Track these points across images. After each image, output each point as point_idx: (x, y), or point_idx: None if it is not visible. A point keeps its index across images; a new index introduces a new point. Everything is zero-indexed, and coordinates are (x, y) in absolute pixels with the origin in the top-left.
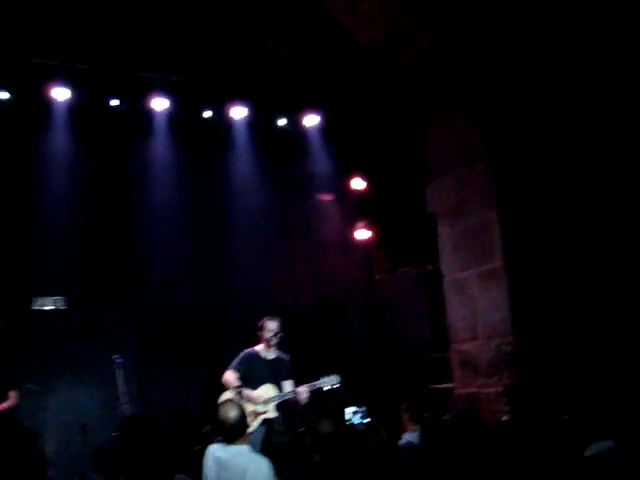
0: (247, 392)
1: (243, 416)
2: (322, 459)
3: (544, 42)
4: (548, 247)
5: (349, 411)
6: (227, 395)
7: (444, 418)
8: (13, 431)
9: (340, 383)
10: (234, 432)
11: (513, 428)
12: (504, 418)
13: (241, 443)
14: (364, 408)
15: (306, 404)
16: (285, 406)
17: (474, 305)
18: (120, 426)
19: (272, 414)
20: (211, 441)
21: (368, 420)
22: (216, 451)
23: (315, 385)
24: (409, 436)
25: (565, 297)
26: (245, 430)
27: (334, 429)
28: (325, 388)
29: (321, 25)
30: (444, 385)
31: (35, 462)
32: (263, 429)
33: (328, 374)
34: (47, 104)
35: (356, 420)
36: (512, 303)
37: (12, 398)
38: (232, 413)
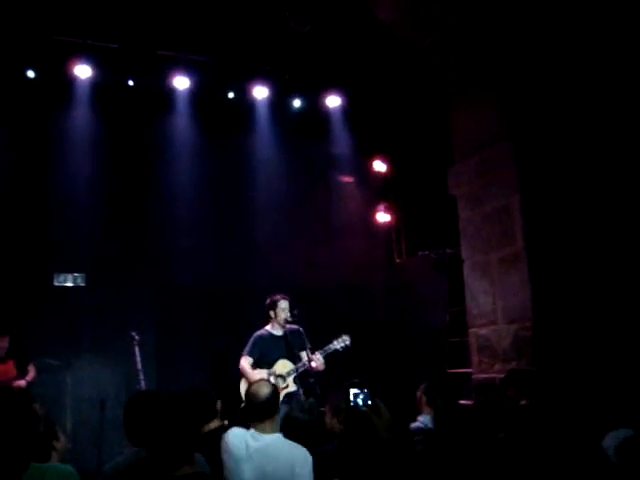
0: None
1: (275, 396)
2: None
3: (568, 23)
4: (570, 232)
5: (352, 392)
6: (244, 384)
7: (460, 403)
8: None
9: (351, 343)
10: (264, 411)
11: (528, 414)
12: (522, 403)
13: (271, 430)
14: (366, 390)
15: (323, 371)
16: (305, 378)
17: (494, 289)
18: (126, 403)
19: (292, 387)
20: (226, 420)
21: (369, 403)
22: (248, 440)
23: (329, 348)
24: (424, 418)
25: (586, 283)
26: (276, 411)
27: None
28: (339, 348)
29: (344, 4)
30: (462, 370)
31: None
32: (285, 406)
33: (339, 336)
34: (69, 82)
35: (359, 402)
36: (532, 288)
37: (32, 372)
38: (264, 390)
